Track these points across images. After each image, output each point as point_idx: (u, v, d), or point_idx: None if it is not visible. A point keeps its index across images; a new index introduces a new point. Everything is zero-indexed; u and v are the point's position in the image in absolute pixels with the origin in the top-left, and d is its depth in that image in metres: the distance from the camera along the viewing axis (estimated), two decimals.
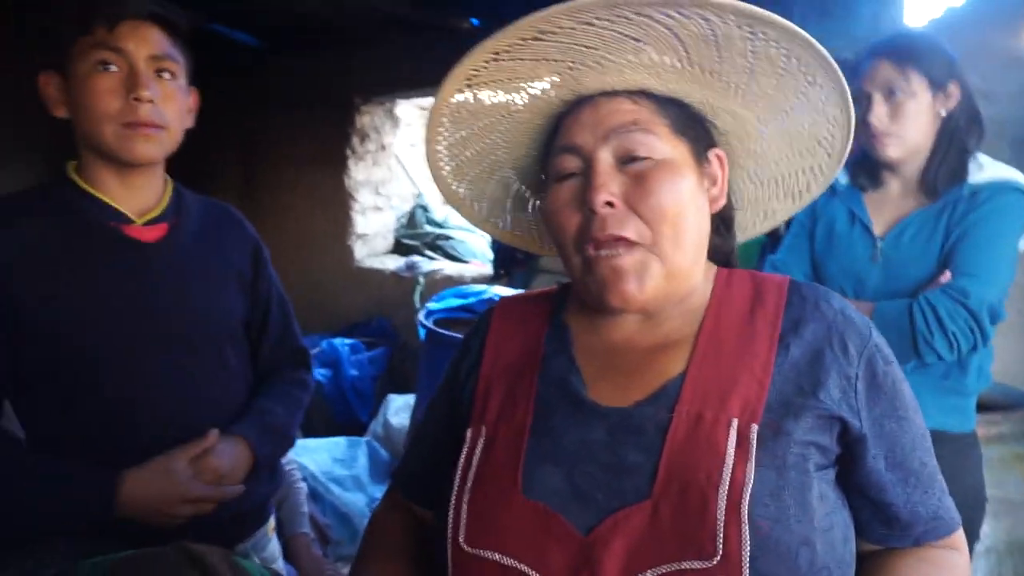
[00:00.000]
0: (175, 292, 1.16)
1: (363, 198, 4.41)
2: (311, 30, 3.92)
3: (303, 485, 2.06)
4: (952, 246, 1.41)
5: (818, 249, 1.61)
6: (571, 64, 0.75)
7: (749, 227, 0.99)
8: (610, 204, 0.74)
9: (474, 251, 4.40)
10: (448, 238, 4.42)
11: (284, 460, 2.01)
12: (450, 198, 0.94)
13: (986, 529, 1.88)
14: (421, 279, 3.97)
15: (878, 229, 1.52)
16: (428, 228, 4.49)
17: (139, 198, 1.18)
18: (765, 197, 0.94)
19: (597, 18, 0.70)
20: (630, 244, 0.74)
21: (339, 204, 4.37)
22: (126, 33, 1.10)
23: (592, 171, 0.76)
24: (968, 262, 1.38)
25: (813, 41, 0.72)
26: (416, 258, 4.25)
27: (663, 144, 0.77)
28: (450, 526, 0.74)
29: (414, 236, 4.52)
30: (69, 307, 1.08)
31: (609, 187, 0.74)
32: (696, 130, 0.81)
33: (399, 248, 4.61)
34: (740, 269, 0.86)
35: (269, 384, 1.32)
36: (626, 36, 0.72)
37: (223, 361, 1.23)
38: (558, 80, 0.77)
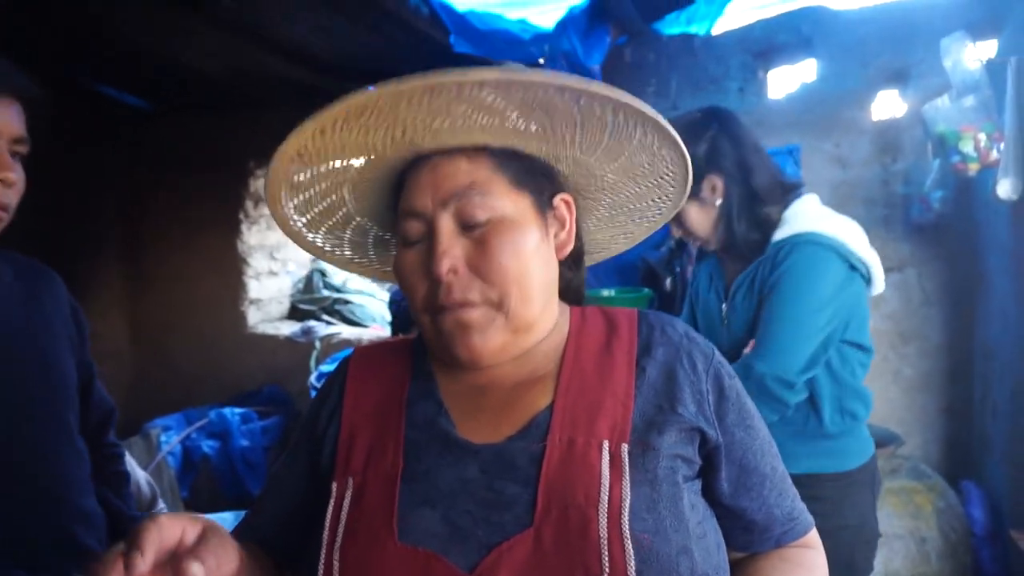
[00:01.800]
0: (13, 369, 1.07)
1: (257, 263, 4.30)
2: (204, 93, 3.87)
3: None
4: (758, 311, 1.47)
5: (698, 315, 1.68)
6: (401, 132, 0.76)
7: (609, 245, 1.02)
8: (453, 271, 0.75)
9: (372, 315, 4.35)
10: (346, 302, 4.35)
11: (159, 507, 1.93)
12: (309, 248, 0.94)
13: None
14: (318, 344, 3.88)
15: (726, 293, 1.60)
16: (325, 292, 4.41)
17: None
18: (623, 220, 0.97)
19: (419, 96, 0.70)
20: (475, 304, 0.76)
21: (232, 269, 4.23)
22: None
23: (434, 239, 0.76)
24: (762, 333, 1.43)
25: (630, 98, 0.74)
26: (312, 323, 4.14)
27: (502, 201, 0.77)
28: None
29: (311, 301, 4.42)
30: None
31: (451, 253, 0.75)
32: (538, 180, 0.82)
33: (296, 313, 4.49)
34: (591, 306, 0.90)
35: (106, 477, 1.27)
36: (453, 108, 0.73)
37: (69, 428, 1.15)
38: (391, 143, 0.77)
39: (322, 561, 0.71)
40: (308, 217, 0.88)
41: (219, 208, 4.24)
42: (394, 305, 3.62)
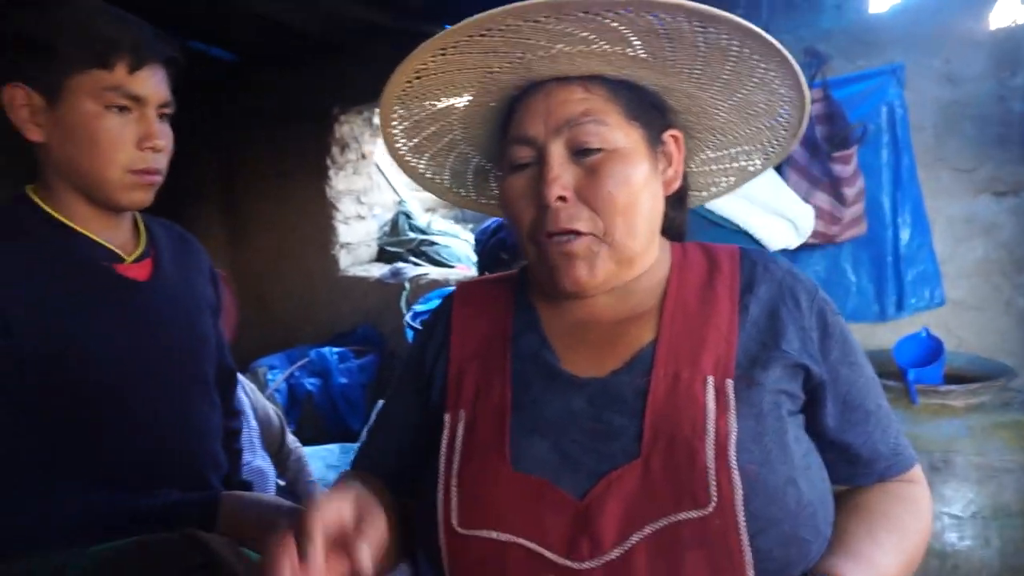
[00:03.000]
0: (172, 329, 1.15)
1: (345, 207, 4.41)
2: (288, 43, 3.93)
3: (307, 461, 2.11)
4: None
5: None
6: (520, 55, 0.76)
7: (707, 190, 1.02)
8: (562, 198, 0.76)
9: (458, 255, 4.42)
10: (432, 243, 4.44)
11: (292, 444, 2.05)
12: (411, 174, 0.96)
13: (971, 495, 1.93)
14: (407, 285, 3.98)
15: None
16: (411, 234, 4.50)
17: (120, 235, 1.13)
18: (726, 164, 0.96)
19: (544, 17, 0.70)
20: (581, 234, 0.77)
21: (322, 214, 4.36)
22: (145, 78, 1.04)
23: (544, 164, 0.77)
24: None
25: (761, 32, 0.73)
26: (401, 264, 4.25)
27: (616, 133, 0.78)
28: (440, 510, 0.74)
29: (397, 243, 4.52)
30: (84, 353, 1.03)
31: (561, 180, 0.76)
32: (650, 114, 0.82)
33: (383, 256, 4.62)
34: (691, 242, 0.90)
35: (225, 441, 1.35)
36: (577, 32, 0.73)
37: (209, 389, 1.24)
38: (508, 67, 0.78)
39: (440, 487, 0.75)
40: (415, 141, 0.90)
41: (307, 156, 4.35)
42: (479, 245, 3.66)
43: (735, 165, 0.96)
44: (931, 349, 2.31)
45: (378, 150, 4.67)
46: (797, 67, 0.77)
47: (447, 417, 0.81)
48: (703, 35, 0.74)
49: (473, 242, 3.97)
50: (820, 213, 2.53)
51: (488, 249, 3.55)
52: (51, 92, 1.02)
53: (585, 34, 0.73)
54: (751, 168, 0.96)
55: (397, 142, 0.90)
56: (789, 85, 0.80)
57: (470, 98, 0.84)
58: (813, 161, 2.53)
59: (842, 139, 2.51)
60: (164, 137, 1.09)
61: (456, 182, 1.00)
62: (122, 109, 1.04)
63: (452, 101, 0.84)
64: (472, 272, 3.99)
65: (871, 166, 2.59)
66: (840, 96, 2.57)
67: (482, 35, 0.73)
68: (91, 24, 1.01)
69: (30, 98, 1.02)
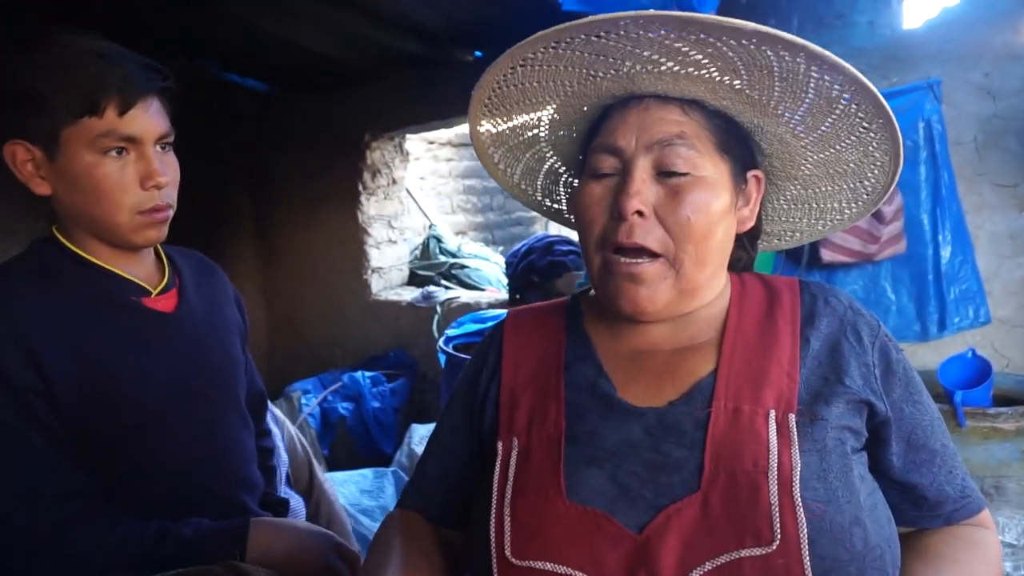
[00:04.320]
0: (202, 357, 1.16)
1: (377, 232, 4.46)
2: (320, 71, 4.01)
3: (338, 507, 2.08)
4: None
5: None
6: (628, 65, 0.75)
7: (774, 241, 0.99)
8: (640, 213, 0.75)
9: (488, 278, 4.43)
10: (463, 267, 4.46)
11: (321, 479, 2.04)
12: (485, 161, 0.94)
13: None
14: (438, 308, 3.99)
15: None
16: (442, 258, 4.53)
17: (144, 269, 1.14)
18: (798, 216, 0.94)
19: (665, 30, 0.70)
20: (652, 255, 0.75)
21: (353, 239, 4.41)
22: (137, 116, 1.01)
23: (628, 177, 0.76)
24: None
25: (874, 89, 0.72)
26: (432, 288, 4.27)
27: (704, 161, 0.77)
28: (493, 540, 0.72)
29: (428, 267, 4.55)
30: (121, 389, 1.03)
31: (643, 196, 0.75)
32: (740, 149, 0.81)
33: (414, 279, 4.65)
34: (748, 272, 0.88)
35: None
36: (690, 52, 0.72)
37: (242, 411, 1.25)
38: (613, 75, 0.77)
39: (492, 517, 0.74)
40: (499, 129, 0.89)
41: (338, 182, 4.41)
42: (510, 268, 3.66)
43: (806, 220, 0.95)
44: (978, 370, 2.24)
45: (408, 175, 4.71)
46: (899, 132, 0.76)
47: (500, 445, 0.79)
48: (817, 81, 0.73)
49: (504, 265, 3.99)
50: (857, 231, 2.49)
51: (519, 272, 3.56)
52: (48, 145, 1.01)
53: (699, 57, 0.72)
54: (819, 228, 0.95)
55: (481, 126, 0.88)
56: (885, 150, 0.79)
57: (566, 95, 0.82)
58: None
59: None
60: (168, 170, 1.06)
61: (526, 179, 0.98)
62: (120, 151, 1.02)
63: (545, 97, 0.82)
64: (503, 295, 3.99)
65: (909, 183, 2.54)
66: None
67: (598, 37, 0.72)
68: (74, 70, 0.98)
69: (31, 153, 1.01)
